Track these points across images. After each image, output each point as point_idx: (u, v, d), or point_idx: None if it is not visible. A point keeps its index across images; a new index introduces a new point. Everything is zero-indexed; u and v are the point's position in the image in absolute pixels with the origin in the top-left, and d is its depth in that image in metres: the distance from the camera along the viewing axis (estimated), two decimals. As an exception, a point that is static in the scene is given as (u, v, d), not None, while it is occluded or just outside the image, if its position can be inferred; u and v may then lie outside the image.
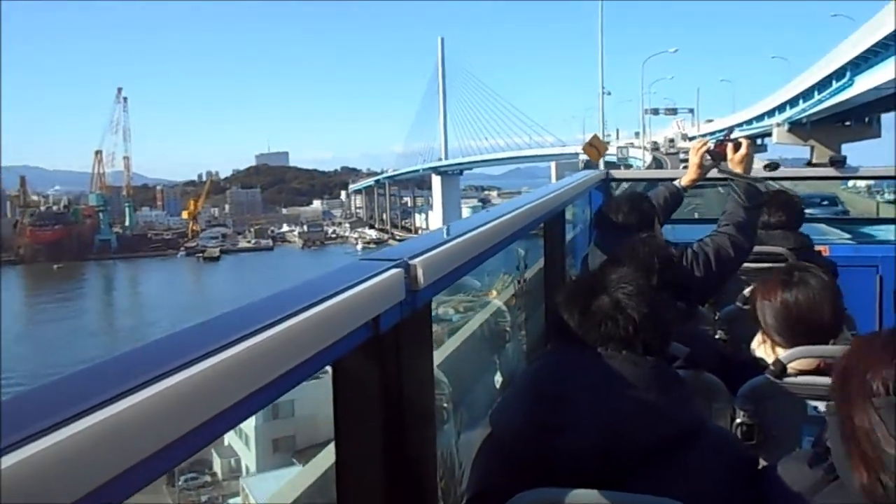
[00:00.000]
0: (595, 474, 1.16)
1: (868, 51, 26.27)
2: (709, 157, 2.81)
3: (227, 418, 0.66)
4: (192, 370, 0.61)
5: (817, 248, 3.25)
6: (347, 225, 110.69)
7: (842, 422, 0.99)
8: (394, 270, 1.02)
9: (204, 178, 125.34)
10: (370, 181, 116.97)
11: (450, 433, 1.81)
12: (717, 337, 2.59)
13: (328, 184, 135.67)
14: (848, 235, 5.75)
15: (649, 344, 1.27)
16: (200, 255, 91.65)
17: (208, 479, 23.94)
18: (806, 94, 35.34)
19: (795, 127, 38.18)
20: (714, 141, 2.80)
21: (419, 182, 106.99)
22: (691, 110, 70.53)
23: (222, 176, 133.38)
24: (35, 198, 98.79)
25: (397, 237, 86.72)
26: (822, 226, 6.32)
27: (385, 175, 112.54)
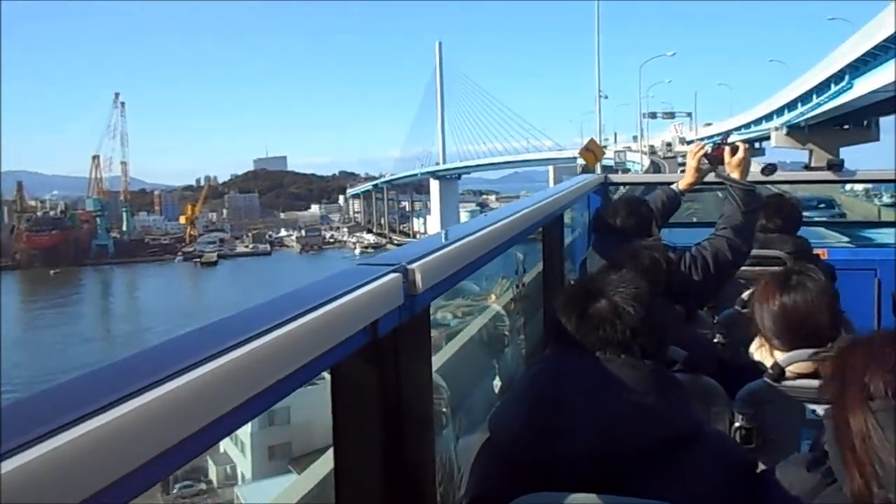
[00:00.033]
0: (593, 478, 1.16)
1: (867, 53, 26.23)
2: (706, 161, 2.81)
3: (226, 423, 0.65)
4: (191, 375, 0.61)
5: (815, 251, 3.25)
6: (345, 229, 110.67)
7: (836, 425, 0.99)
8: (392, 275, 1.02)
9: (202, 183, 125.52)
10: (368, 186, 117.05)
11: (449, 438, 1.80)
12: (715, 340, 2.59)
13: (326, 188, 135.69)
14: (846, 239, 5.76)
15: (647, 347, 1.27)
16: (198, 260, 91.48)
17: (203, 486, 23.56)
18: (804, 98, 35.36)
19: (794, 131, 38.22)
20: (711, 145, 2.81)
21: (417, 186, 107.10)
22: (689, 114, 70.81)
23: (220, 181, 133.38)
24: (32, 203, 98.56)
25: (395, 241, 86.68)
26: (821, 229, 6.33)
27: (383, 179, 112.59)
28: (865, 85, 27.72)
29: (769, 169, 2.64)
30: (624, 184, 4.73)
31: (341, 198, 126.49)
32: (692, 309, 2.42)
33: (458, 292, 2.74)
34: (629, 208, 2.74)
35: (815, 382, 1.68)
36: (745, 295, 2.53)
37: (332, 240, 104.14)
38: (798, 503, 1.12)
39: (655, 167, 42.03)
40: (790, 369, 1.75)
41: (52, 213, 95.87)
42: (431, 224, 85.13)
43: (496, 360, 2.73)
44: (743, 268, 2.63)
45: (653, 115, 64.96)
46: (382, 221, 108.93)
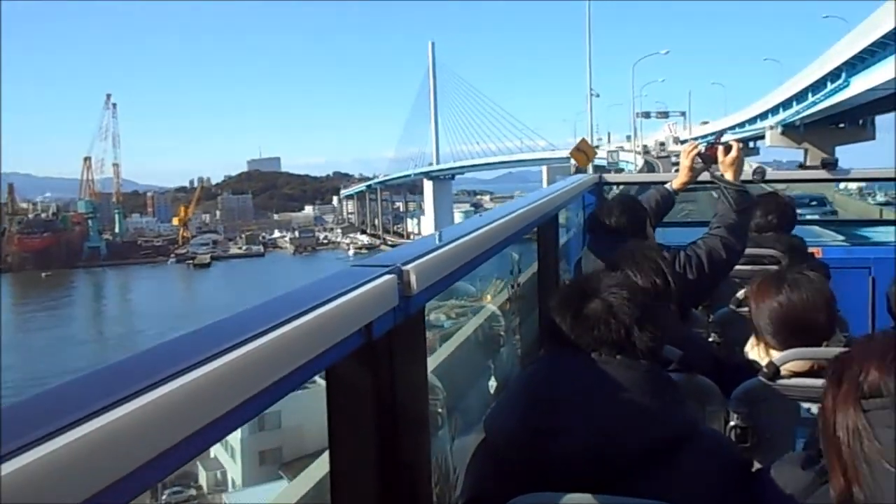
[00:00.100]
0: (589, 478, 1.16)
1: (865, 50, 25.84)
2: (700, 160, 2.82)
3: (222, 426, 0.65)
4: (186, 378, 0.61)
5: (810, 249, 3.26)
6: (339, 230, 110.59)
7: (825, 425, 0.99)
8: (387, 276, 1.02)
9: (195, 185, 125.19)
10: (362, 186, 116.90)
11: (444, 439, 1.80)
12: (710, 340, 2.60)
13: (320, 189, 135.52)
14: (841, 237, 5.78)
15: (642, 347, 1.27)
16: (191, 261, 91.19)
17: (193, 492, 23.34)
18: (800, 97, 35.16)
19: (789, 130, 38.14)
20: (705, 144, 2.82)
21: (411, 187, 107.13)
22: (683, 113, 70.85)
23: (213, 182, 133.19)
24: (24, 205, 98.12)
25: (389, 242, 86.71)
26: (815, 228, 6.35)
27: (377, 180, 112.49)
28: (863, 82, 27.27)
29: (759, 172, 2.65)
30: (618, 183, 4.74)
31: (335, 199, 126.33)
32: (687, 308, 2.43)
33: (454, 293, 2.73)
34: (623, 208, 2.75)
35: (810, 381, 1.69)
36: (740, 294, 2.54)
37: (325, 241, 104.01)
38: (793, 501, 1.12)
39: (649, 167, 42.10)
40: (785, 368, 1.76)
41: (43, 215, 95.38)
42: (425, 225, 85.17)
43: (492, 361, 2.73)
44: (737, 267, 2.64)
45: (646, 115, 65.06)
46: (376, 222, 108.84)
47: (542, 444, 1.20)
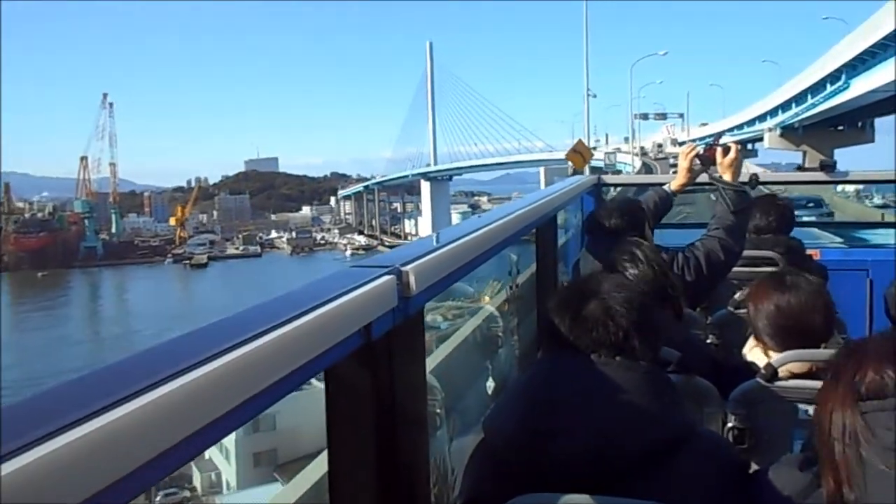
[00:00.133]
0: (587, 479, 1.16)
1: (865, 52, 25.65)
2: (698, 162, 2.83)
3: (221, 427, 0.65)
4: (185, 378, 0.61)
5: (808, 252, 3.26)
6: (336, 231, 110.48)
7: (821, 427, 0.99)
8: (386, 277, 1.02)
9: (192, 184, 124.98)
10: (359, 187, 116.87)
11: (443, 439, 1.80)
12: (708, 341, 2.60)
13: (317, 190, 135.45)
14: (839, 239, 5.79)
15: (640, 349, 1.27)
16: (188, 261, 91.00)
17: (188, 494, 23.11)
18: (799, 98, 35.01)
19: (788, 132, 38.01)
20: (703, 146, 2.82)
21: (409, 188, 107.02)
22: (681, 115, 70.97)
23: (211, 182, 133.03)
24: (20, 204, 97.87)
25: (386, 243, 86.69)
26: (814, 230, 6.37)
27: (374, 181, 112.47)
28: (863, 84, 27.01)
29: (754, 179, 2.65)
30: (617, 185, 4.74)
31: (333, 199, 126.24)
32: (685, 310, 2.43)
33: (452, 294, 2.73)
34: (622, 210, 2.75)
35: (808, 383, 1.69)
36: (738, 295, 2.54)
37: (322, 241, 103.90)
38: (790, 503, 1.12)
39: (647, 168, 42.17)
40: (783, 369, 1.76)
41: (40, 214, 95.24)
42: (423, 225, 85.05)
43: (490, 362, 2.73)
44: (735, 268, 2.64)
45: (644, 117, 65.14)
46: (374, 223, 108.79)
47: (541, 446, 1.19)
